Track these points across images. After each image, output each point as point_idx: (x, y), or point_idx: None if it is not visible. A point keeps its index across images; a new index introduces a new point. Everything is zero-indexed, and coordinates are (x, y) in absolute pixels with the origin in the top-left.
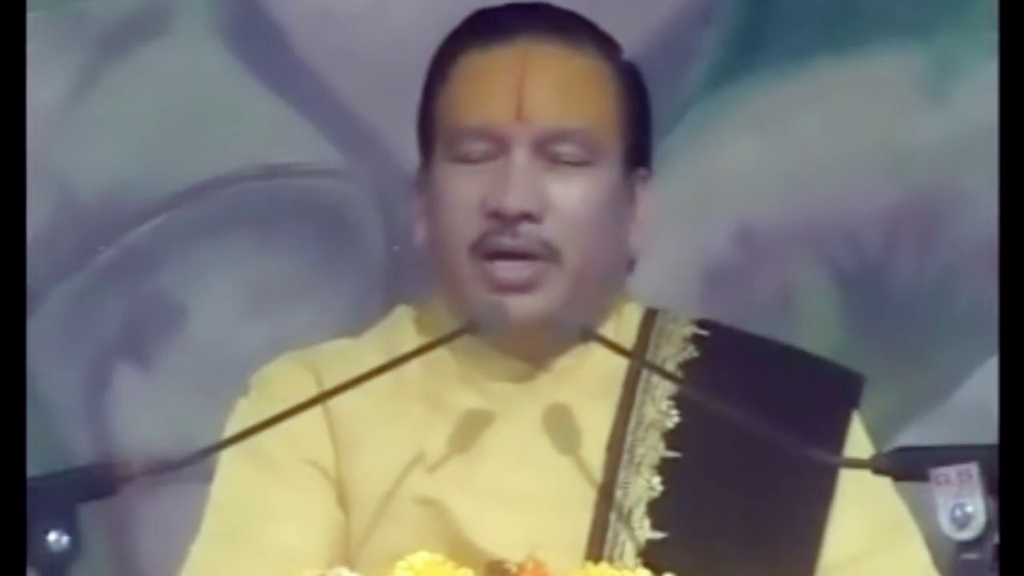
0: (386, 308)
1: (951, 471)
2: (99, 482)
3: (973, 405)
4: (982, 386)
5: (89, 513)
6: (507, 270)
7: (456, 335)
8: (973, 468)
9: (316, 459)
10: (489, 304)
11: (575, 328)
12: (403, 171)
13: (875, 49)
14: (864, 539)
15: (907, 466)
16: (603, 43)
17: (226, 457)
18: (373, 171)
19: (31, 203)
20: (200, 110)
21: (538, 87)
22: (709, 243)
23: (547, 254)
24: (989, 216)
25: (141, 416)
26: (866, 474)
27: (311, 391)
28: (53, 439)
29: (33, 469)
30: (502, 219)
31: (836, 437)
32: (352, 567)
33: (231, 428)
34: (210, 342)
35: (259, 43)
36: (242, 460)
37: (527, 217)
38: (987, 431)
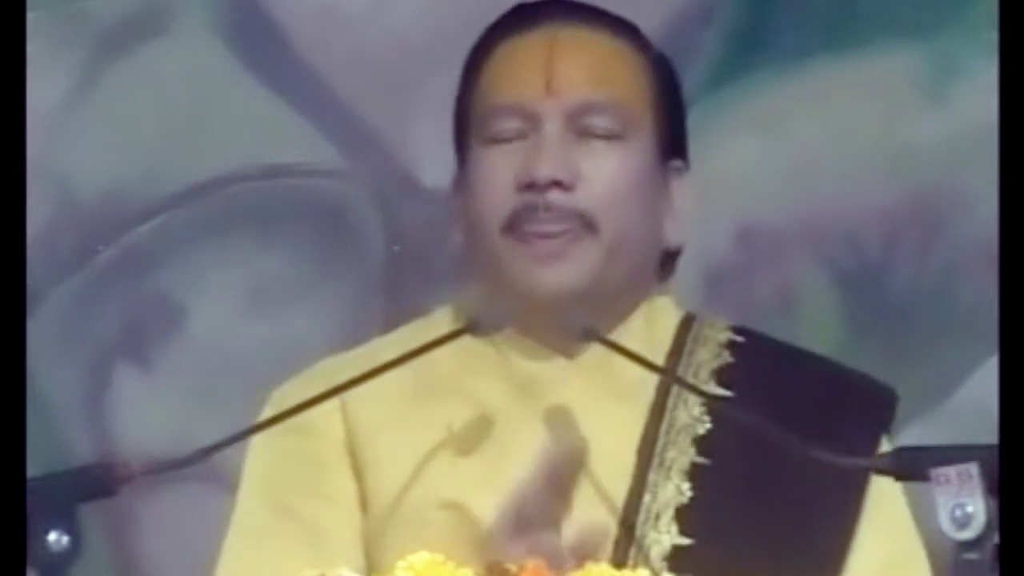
0: (386, 309)
1: (951, 471)
2: (99, 482)
3: (973, 405)
4: (982, 386)
5: (89, 513)
6: (541, 242)
7: (453, 336)
8: (973, 468)
9: (334, 496)
10: (523, 274)
11: (578, 327)
12: (403, 171)
13: (875, 49)
14: (877, 566)
15: (907, 466)
16: (635, 35)
17: (241, 503)
18: (373, 171)
19: (31, 203)
20: (200, 110)
21: (568, 61)
22: (709, 243)
23: (581, 225)
24: (989, 216)
25: (141, 416)
26: (891, 505)
27: (332, 408)
28: (53, 439)
29: (33, 469)
30: (535, 189)
31: (867, 452)
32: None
33: (252, 454)
34: (210, 342)
35: (259, 43)
36: (259, 506)
37: (558, 185)
38: (987, 431)
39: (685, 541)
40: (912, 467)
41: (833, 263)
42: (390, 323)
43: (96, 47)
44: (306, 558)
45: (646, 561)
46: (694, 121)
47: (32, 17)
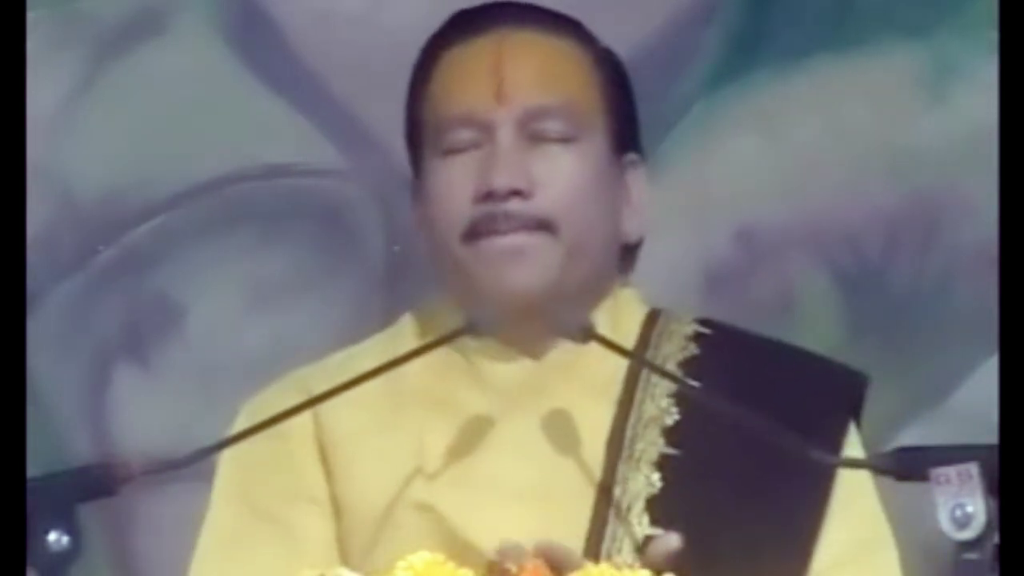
0: (386, 308)
1: (951, 471)
2: (99, 482)
3: (973, 405)
4: (982, 386)
5: (89, 513)
6: (501, 243)
7: (454, 336)
8: (973, 468)
9: (309, 497)
10: (487, 278)
11: (575, 327)
12: (403, 171)
13: (875, 49)
14: (845, 549)
15: (907, 466)
16: (580, 33)
17: (215, 508)
18: (373, 171)
19: (31, 203)
20: (200, 110)
21: (516, 68)
22: (709, 243)
23: (541, 229)
24: (989, 216)
25: (141, 416)
26: (857, 487)
27: (305, 418)
28: (53, 439)
29: (33, 469)
30: (493, 199)
31: (834, 438)
32: None
33: (225, 462)
34: (210, 342)
35: (259, 43)
36: (233, 510)
37: (517, 194)
38: (987, 431)
39: (656, 531)
40: (912, 467)
41: (833, 263)
42: (390, 322)
43: (96, 47)
44: (280, 562)
45: (619, 552)
46: (695, 121)
47: (32, 17)
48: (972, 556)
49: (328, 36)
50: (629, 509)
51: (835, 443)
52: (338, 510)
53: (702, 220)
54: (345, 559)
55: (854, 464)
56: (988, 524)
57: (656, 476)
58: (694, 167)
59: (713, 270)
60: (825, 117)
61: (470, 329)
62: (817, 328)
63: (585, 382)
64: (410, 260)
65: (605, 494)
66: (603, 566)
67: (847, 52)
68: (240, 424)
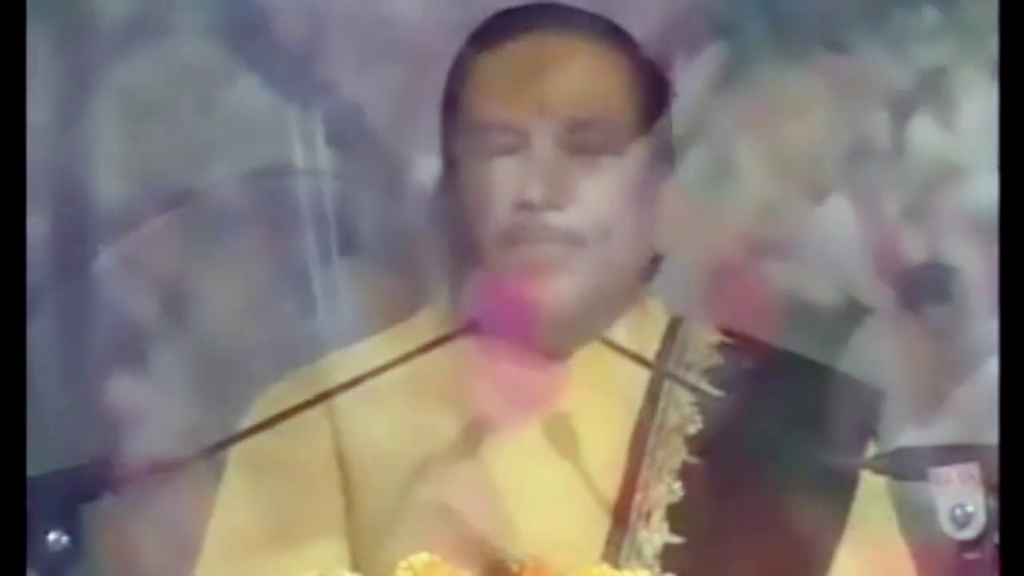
0: (386, 308)
1: (951, 471)
2: (99, 482)
3: (973, 405)
4: (982, 386)
5: (89, 513)
6: (533, 254)
7: (456, 335)
8: (973, 468)
9: (319, 498)
10: (515, 291)
11: (594, 337)
12: (403, 171)
13: (874, 49)
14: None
15: (907, 466)
16: (620, 38)
17: (222, 503)
18: (372, 171)
19: (31, 203)
20: (200, 110)
21: (558, 77)
22: (710, 244)
23: (573, 241)
24: (990, 216)
25: (141, 416)
26: (878, 506)
27: (319, 411)
28: (53, 439)
29: (33, 469)
30: (528, 209)
31: (854, 453)
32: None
33: (236, 453)
34: (210, 342)
35: (258, 43)
36: (241, 507)
37: (551, 206)
38: (987, 431)
39: (676, 539)
40: (912, 467)
41: (834, 263)
42: (389, 323)
43: (96, 47)
44: (288, 562)
45: (638, 559)
46: (695, 120)
47: (32, 16)
48: (972, 556)
49: (328, 35)
50: (649, 516)
51: (854, 456)
52: (353, 507)
53: (703, 222)
54: (359, 556)
55: (854, 465)
56: (988, 524)
57: (678, 485)
58: (695, 168)
59: (714, 271)
60: (825, 117)
61: (471, 329)
62: (818, 328)
63: (607, 387)
64: (410, 260)
65: (626, 500)
66: (603, 567)
67: (846, 52)
68: (255, 417)
